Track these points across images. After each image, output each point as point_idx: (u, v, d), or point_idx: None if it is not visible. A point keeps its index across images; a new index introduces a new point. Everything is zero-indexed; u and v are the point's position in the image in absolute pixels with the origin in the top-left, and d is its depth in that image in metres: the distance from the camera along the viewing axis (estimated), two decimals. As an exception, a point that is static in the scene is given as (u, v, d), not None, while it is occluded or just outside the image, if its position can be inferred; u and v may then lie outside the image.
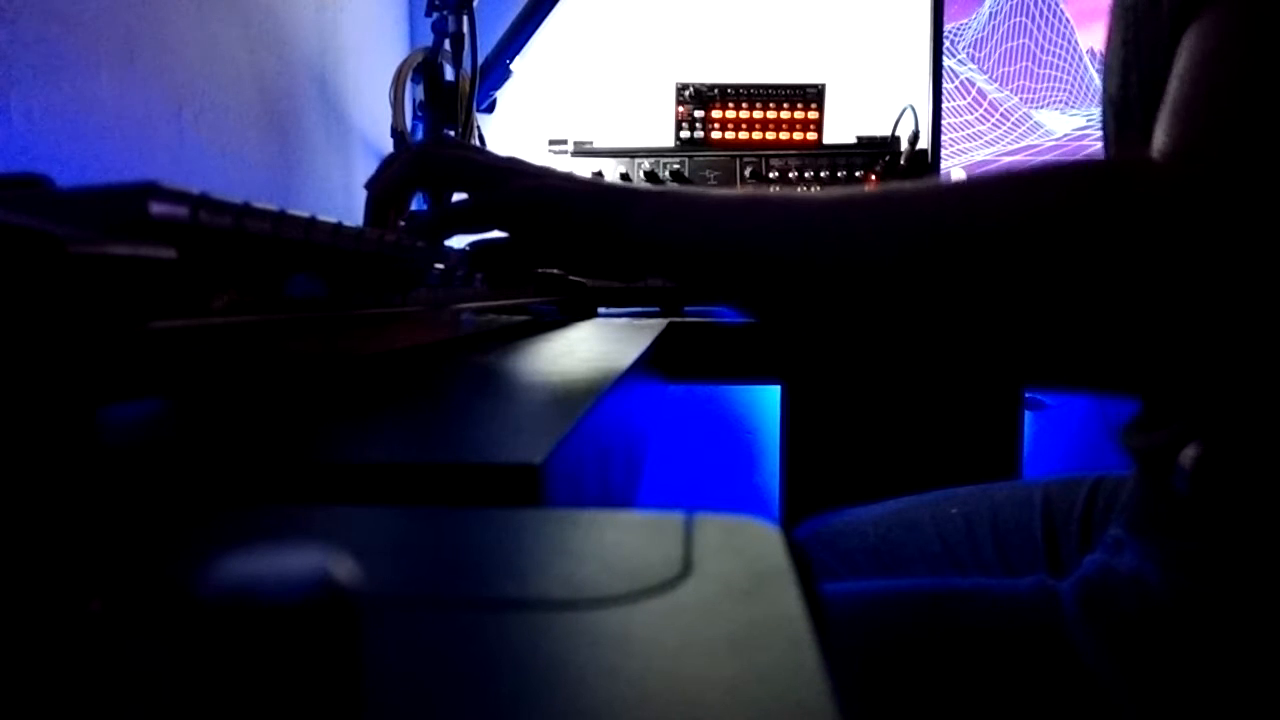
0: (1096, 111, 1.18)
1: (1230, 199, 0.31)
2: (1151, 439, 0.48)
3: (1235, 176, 0.31)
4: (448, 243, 0.52)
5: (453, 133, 1.10)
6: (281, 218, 0.31)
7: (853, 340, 0.42)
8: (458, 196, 0.52)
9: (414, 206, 0.76)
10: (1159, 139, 0.34)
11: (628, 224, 0.44)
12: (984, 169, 1.30)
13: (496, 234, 0.50)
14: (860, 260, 0.38)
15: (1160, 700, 0.43)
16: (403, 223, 0.53)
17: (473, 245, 0.53)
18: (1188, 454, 0.44)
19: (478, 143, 1.16)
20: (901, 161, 1.24)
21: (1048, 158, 1.28)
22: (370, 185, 0.52)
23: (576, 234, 0.46)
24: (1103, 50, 0.49)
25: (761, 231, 0.41)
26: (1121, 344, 0.33)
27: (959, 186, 0.39)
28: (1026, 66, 1.27)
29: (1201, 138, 0.33)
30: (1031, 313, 0.34)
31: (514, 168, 0.49)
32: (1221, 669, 0.42)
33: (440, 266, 0.53)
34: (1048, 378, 0.42)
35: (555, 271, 0.85)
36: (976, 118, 1.29)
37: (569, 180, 0.48)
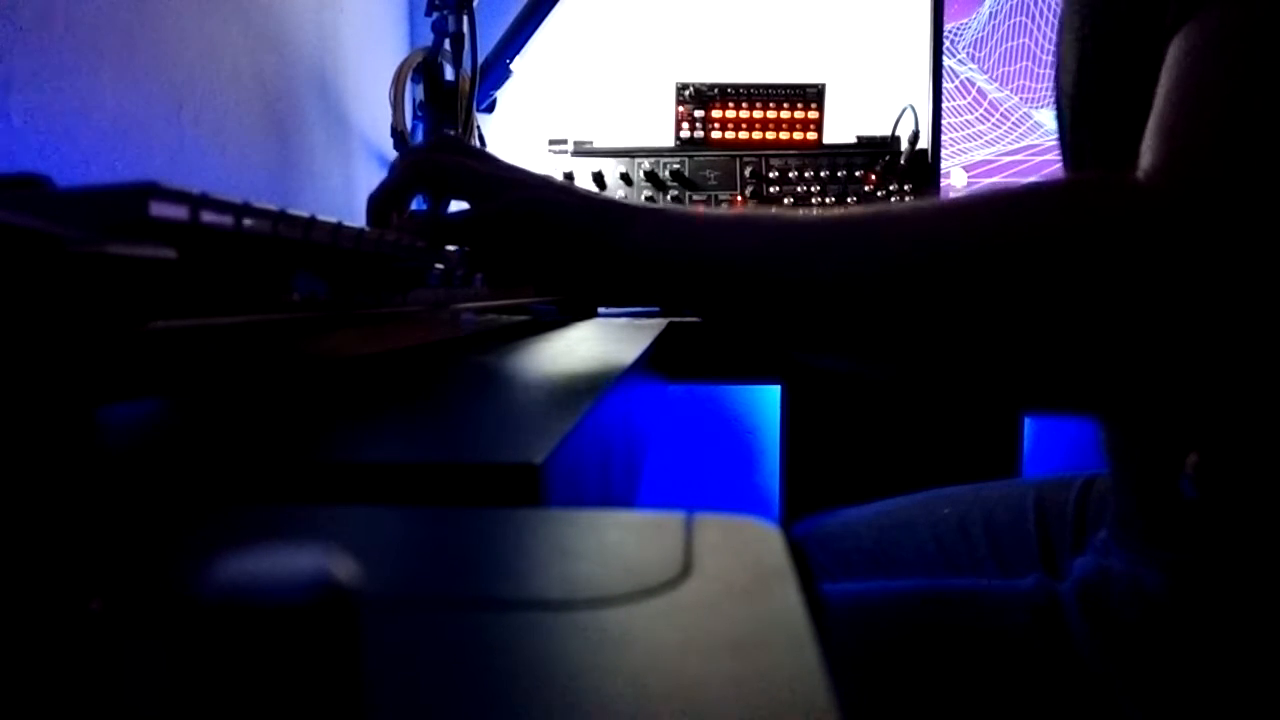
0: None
1: (1219, 220, 0.31)
2: (1140, 446, 0.48)
3: (1223, 198, 0.31)
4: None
5: (453, 133, 1.10)
6: (281, 218, 0.31)
7: (846, 360, 0.42)
8: (456, 203, 0.52)
9: (414, 206, 0.76)
10: (1146, 158, 0.34)
11: (624, 240, 0.44)
12: (983, 169, 1.30)
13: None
14: (852, 280, 0.38)
15: (1162, 701, 0.43)
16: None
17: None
18: (1192, 460, 0.43)
19: (477, 143, 1.16)
20: (901, 161, 1.24)
21: (1046, 158, 1.28)
22: (371, 195, 0.52)
23: (571, 249, 0.45)
24: (1055, 45, 0.49)
25: (757, 250, 0.41)
26: (1110, 366, 0.33)
27: (948, 206, 0.39)
28: (1026, 66, 1.27)
29: (1188, 159, 0.33)
30: (1021, 335, 0.34)
31: (511, 178, 0.48)
32: (1222, 670, 0.42)
33: (440, 266, 0.53)
34: (1040, 402, 0.42)
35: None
36: (976, 118, 1.30)
37: (566, 193, 0.48)
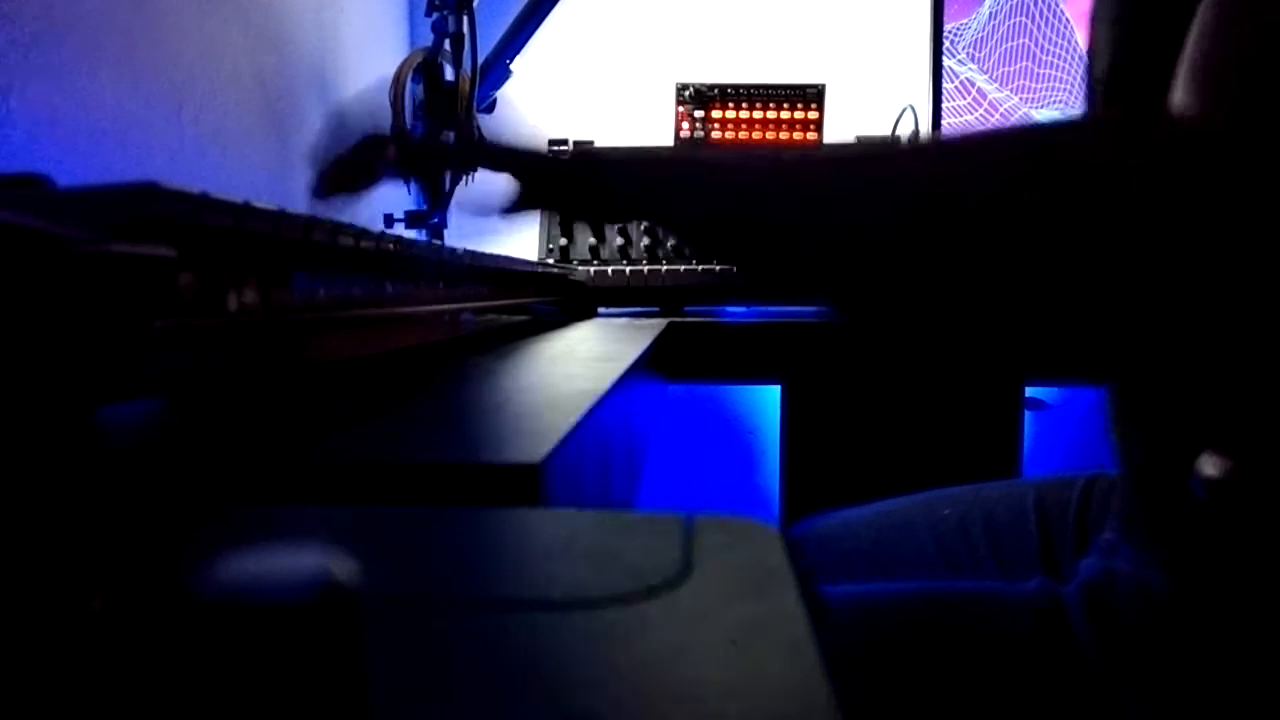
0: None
1: (1260, 155, 0.29)
2: (1152, 444, 0.48)
3: (1264, 131, 0.30)
4: (448, 244, 0.53)
5: (453, 134, 1.10)
6: (281, 218, 0.31)
7: (854, 310, 0.41)
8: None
9: (410, 207, 0.76)
10: (1179, 97, 0.33)
11: (608, 192, 0.45)
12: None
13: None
14: (852, 225, 0.36)
15: (1167, 703, 0.43)
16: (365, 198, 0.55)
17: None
18: (1209, 461, 0.43)
19: (478, 143, 1.16)
20: (901, 161, 1.24)
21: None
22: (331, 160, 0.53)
23: (549, 178, 0.48)
24: (1087, 33, 0.48)
25: (746, 198, 0.40)
26: (1152, 307, 0.32)
27: (962, 142, 0.37)
28: (1026, 66, 1.27)
29: (1227, 95, 0.31)
30: (1046, 273, 0.32)
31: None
32: (1228, 672, 0.42)
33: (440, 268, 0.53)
34: (1054, 352, 0.39)
35: (555, 268, 0.85)
36: (977, 118, 1.29)
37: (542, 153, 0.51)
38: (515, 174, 0.50)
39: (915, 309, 0.37)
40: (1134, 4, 0.42)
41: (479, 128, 1.16)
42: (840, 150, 0.40)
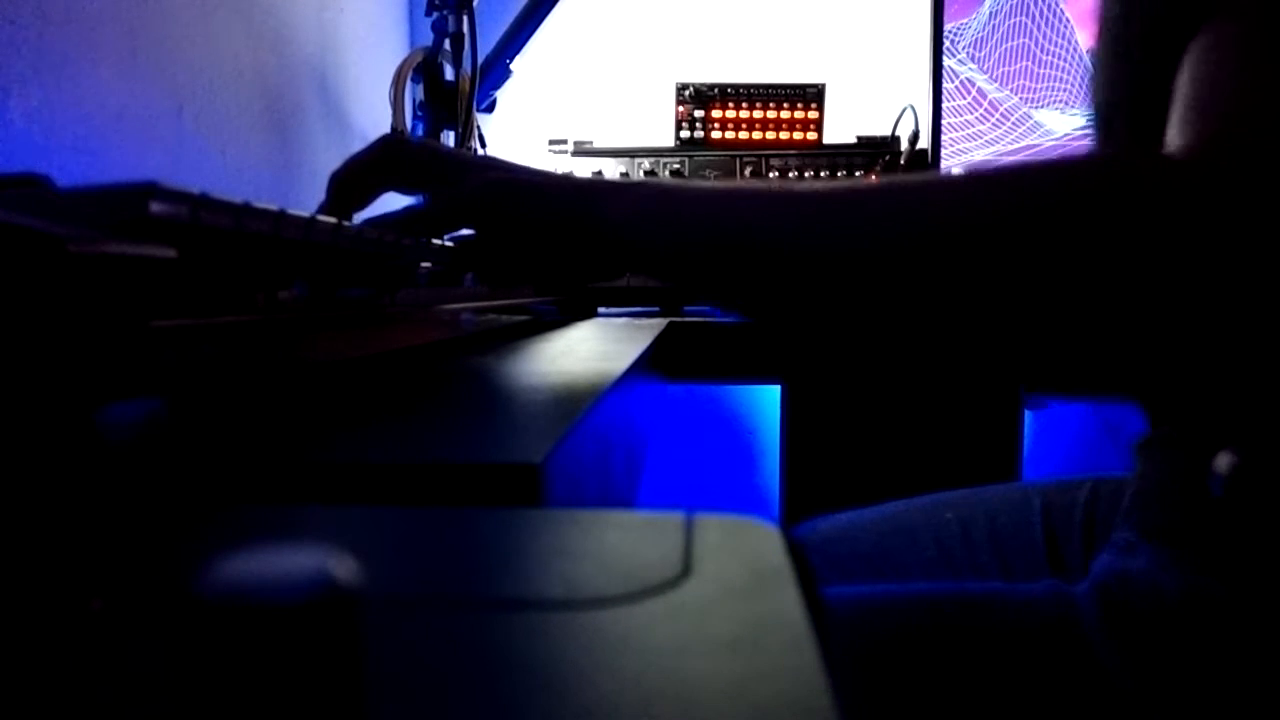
0: (1096, 111, 1.18)
1: (1254, 192, 0.30)
2: (1169, 442, 0.47)
3: (1258, 170, 0.31)
4: (448, 242, 0.52)
5: (453, 134, 1.10)
6: (281, 218, 0.31)
7: (849, 337, 0.41)
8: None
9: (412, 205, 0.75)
10: (1173, 137, 0.34)
11: (602, 218, 0.43)
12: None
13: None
14: (857, 254, 0.37)
15: (1179, 702, 0.43)
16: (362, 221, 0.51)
17: (454, 242, 0.52)
18: (1224, 458, 0.43)
19: (477, 143, 1.16)
20: (901, 161, 1.24)
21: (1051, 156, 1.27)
22: (335, 172, 0.50)
23: (545, 230, 0.44)
24: (1090, 63, 0.49)
25: (749, 225, 0.40)
26: (1141, 341, 0.33)
27: (964, 179, 0.38)
28: (1026, 66, 1.27)
29: (1222, 133, 0.32)
30: (1038, 307, 0.33)
31: (482, 163, 0.48)
32: (1242, 673, 0.42)
33: (440, 267, 0.53)
34: (1044, 377, 0.41)
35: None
36: (976, 118, 1.29)
37: (539, 174, 0.47)
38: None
39: (917, 334, 0.38)
40: (1124, 43, 0.43)
41: (479, 129, 1.16)
42: (847, 183, 0.40)
